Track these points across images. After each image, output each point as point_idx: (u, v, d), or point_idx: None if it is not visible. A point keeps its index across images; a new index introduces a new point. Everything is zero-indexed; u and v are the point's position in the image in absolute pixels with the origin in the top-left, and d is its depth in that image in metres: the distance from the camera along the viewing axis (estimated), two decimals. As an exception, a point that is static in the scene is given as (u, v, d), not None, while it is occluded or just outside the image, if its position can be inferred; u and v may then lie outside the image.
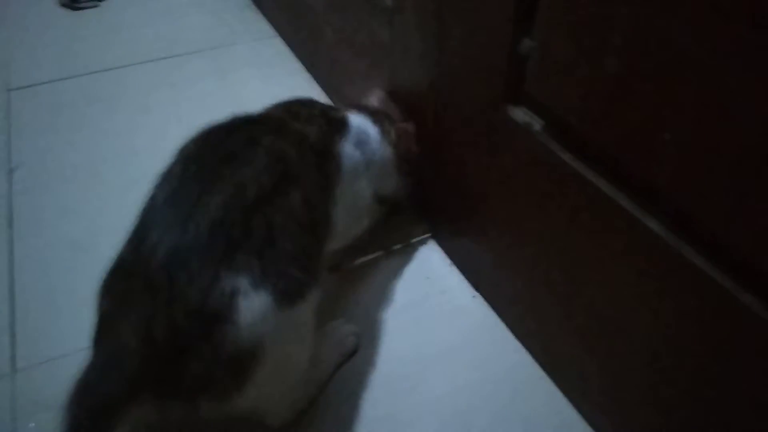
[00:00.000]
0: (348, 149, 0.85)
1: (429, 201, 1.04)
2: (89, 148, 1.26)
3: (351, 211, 0.88)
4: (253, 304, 0.58)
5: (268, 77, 1.51)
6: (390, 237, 1.02)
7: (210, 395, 0.60)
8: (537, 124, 0.69)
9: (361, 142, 0.89)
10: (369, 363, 0.86)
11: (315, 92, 1.45)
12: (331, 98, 1.41)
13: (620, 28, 0.53)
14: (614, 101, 0.57)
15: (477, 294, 0.96)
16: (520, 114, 0.71)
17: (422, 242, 1.07)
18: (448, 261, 1.03)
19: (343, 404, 0.81)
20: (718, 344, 0.54)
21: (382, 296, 0.96)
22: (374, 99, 1.02)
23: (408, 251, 1.05)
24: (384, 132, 0.94)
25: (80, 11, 1.81)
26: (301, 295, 0.65)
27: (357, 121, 0.90)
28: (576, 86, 0.61)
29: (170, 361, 0.56)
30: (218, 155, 0.68)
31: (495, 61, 0.70)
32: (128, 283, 0.59)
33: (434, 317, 0.93)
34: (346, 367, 0.86)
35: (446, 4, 0.78)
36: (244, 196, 0.63)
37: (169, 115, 1.36)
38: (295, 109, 0.85)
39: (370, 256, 1.03)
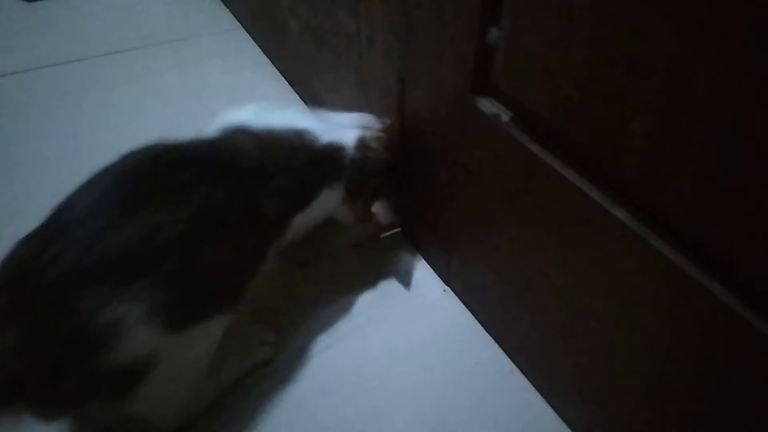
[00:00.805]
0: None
1: (398, 195, 1.02)
2: (47, 143, 1.22)
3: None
4: (138, 331, 0.59)
5: (231, 70, 1.48)
6: (358, 232, 1.01)
7: (98, 401, 0.63)
8: (505, 115, 0.68)
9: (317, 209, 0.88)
10: (340, 359, 0.85)
11: (280, 85, 1.43)
12: (295, 90, 1.40)
13: (588, 17, 0.52)
14: (582, 91, 0.56)
15: (447, 288, 0.96)
16: (488, 105, 0.70)
17: (391, 237, 1.06)
18: (418, 255, 1.02)
19: (314, 400, 0.80)
20: (687, 333, 0.54)
21: (352, 292, 0.95)
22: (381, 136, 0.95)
23: (377, 246, 1.03)
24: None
25: (36, 3, 1.76)
26: (200, 320, 0.67)
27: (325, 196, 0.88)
28: (543, 76, 0.60)
29: (50, 373, 0.57)
30: (156, 183, 0.66)
31: (462, 51, 0.69)
32: (24, 287, 0.59)
33: (404, 312, 0.92)
34: (317, 362, 0.84)
35: (412, -6, 0.76)
36: (168, 232, 0.62)
37: (131, 108, 1.33)
38: (272, 161, 0.79)
39: (338, 252, 1.02)
